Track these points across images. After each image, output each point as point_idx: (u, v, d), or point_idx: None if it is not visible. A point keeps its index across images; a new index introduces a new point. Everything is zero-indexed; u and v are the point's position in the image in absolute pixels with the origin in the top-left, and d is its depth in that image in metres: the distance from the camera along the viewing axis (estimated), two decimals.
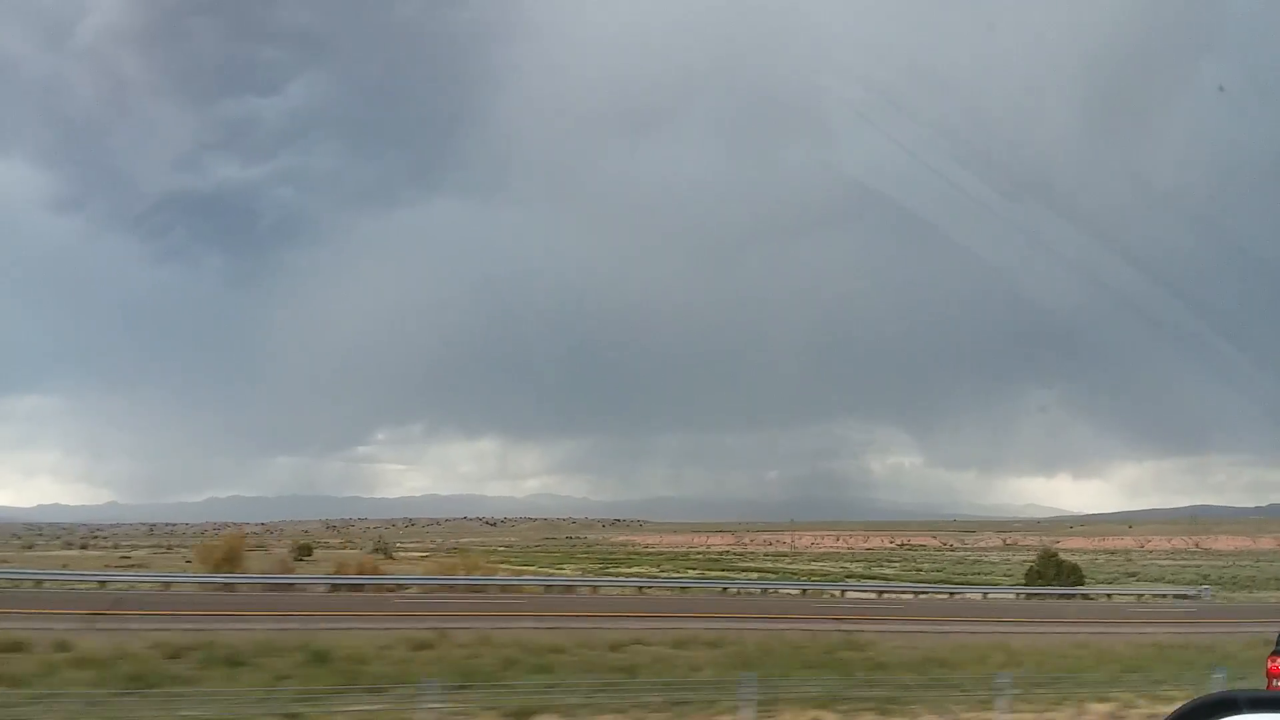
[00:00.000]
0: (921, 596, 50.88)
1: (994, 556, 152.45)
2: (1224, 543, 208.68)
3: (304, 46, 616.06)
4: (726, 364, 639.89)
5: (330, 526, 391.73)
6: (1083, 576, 54.70)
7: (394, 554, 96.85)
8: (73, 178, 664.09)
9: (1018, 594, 52.25)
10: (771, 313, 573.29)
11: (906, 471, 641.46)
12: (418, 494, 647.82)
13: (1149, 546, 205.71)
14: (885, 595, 50.52)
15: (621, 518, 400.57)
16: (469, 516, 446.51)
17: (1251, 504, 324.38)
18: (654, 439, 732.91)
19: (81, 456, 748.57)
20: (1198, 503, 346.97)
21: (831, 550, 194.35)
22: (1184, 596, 51.15)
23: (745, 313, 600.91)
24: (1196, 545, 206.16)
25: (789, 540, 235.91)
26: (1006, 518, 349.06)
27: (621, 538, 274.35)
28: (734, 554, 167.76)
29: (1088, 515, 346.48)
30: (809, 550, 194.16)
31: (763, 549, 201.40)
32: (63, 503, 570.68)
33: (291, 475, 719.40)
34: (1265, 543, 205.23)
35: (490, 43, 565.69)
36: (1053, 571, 53.57)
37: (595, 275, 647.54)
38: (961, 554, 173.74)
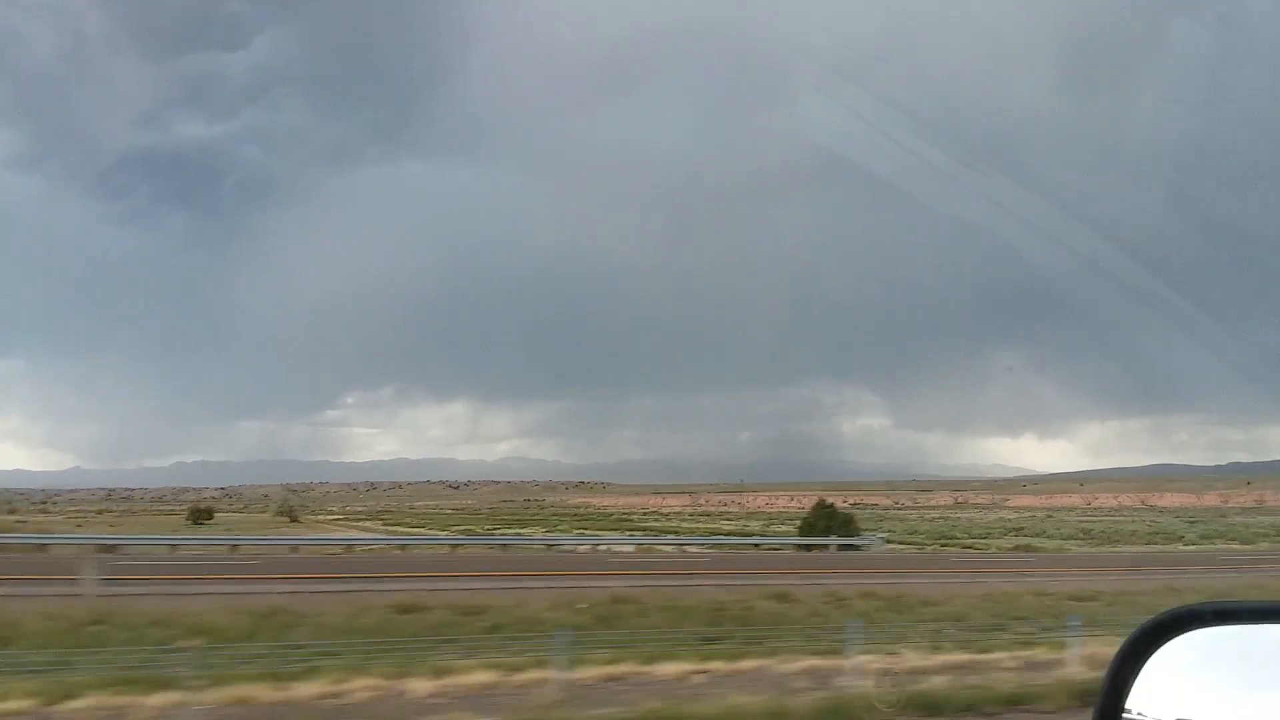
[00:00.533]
0: (714, 549, 52.08)
1: (913, 515, 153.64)
2: (1171, 499, 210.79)
3: (269, 0, 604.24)
4: (699, 327, 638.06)
5: (291, 490, 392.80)
6: (856, 528, 55.01)
7: (301, 518, 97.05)
8: (30, 135, 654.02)
9: (796, 546, 52.93)
10: (744, 276, 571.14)
11: (876, 433, 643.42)
12: (387, 458, 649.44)
13: (1096, 504, 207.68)
14: (689, 548, 51.73)
15: (590, 480, 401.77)
16: (433, 480, 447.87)
17: (1211, 463, 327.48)
18: (626, 402, 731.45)
19: (45, 421, 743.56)
20: (1160, 461, 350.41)
21: (780, 510, 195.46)
22: (851, 547, 50.59)
23: (718, 276, 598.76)
24: (1143, 502, 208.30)
25: (744, 501, 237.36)
26: (971, 477, 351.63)
27: (582, 500, 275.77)
28: (681, 515, 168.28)
29: (1052, 474, 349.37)
30: (761, 510, 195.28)
31: (718, 509, 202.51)
32: (26, 468, 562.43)
33: (258, 440, 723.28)
34: (1209, 499, 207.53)
35: None
36: (824, 523, 53.96)
37: (568, 237, 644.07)
38: (892, 513, 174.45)
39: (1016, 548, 60.76)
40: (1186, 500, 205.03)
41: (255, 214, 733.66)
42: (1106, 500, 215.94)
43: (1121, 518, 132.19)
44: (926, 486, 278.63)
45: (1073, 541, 68.91)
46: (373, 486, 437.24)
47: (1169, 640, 2.10)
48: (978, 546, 67.50)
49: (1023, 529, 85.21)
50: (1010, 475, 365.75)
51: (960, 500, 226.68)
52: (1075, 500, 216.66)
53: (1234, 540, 76.72)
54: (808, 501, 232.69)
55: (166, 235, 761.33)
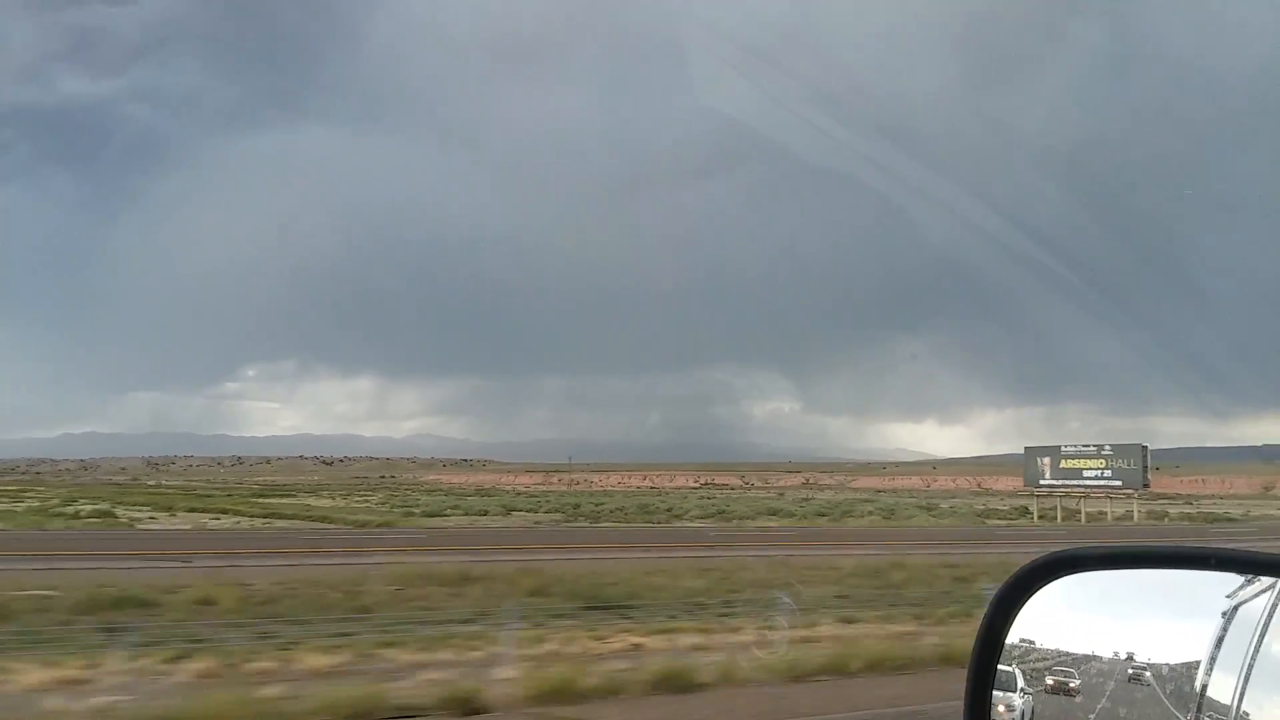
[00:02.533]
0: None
1: (751, 494, 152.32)
2: (1003, 483, 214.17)
3: None
4: (610, 307, 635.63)
5: (151, 464, 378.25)
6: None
7: None
8: None
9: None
10: (655, 257, 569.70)
11: (785, 416, 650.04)
12: (290, 433, 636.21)
13: (935, 486, 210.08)
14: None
15: (501, 459, 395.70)
16: (320, 456, 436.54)
17: None
18: (537, 381, 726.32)
19: None
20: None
21: (628, 489, 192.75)
22: None
23: (629, 256, 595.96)
24: (979, 485, 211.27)
25: (595, 481, 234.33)
26: (875, 460, 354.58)
27: (460, 478, 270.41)
28: (513, 494, 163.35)
29: (949, 459, 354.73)
30: (600, 489, 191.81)
31: (563, 488, 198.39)
32: None
33: (153, 411, 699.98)
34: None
35: None
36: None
37: (475, 213, 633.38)
38: (738, 494, 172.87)
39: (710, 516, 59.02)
40: (1017, 484, 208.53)
41: (147, 176, 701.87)
42: (944, 483, 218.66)
43: (913, 498, 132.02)
44: (827, 469, 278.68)
45: (782, 517, 67.41)
46: (239, 460, 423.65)
47: (1046, 583, 2.26)
48: (676, 519, 66.40)
49: (780, 510, 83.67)
50: (911, 459, 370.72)
51: (810, 482, 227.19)
52: (915, 483, 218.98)
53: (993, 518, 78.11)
54: (661, 481, 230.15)
55: (51, 196, 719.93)
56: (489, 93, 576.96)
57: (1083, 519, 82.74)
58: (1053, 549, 2.32)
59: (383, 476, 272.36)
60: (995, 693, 2.28)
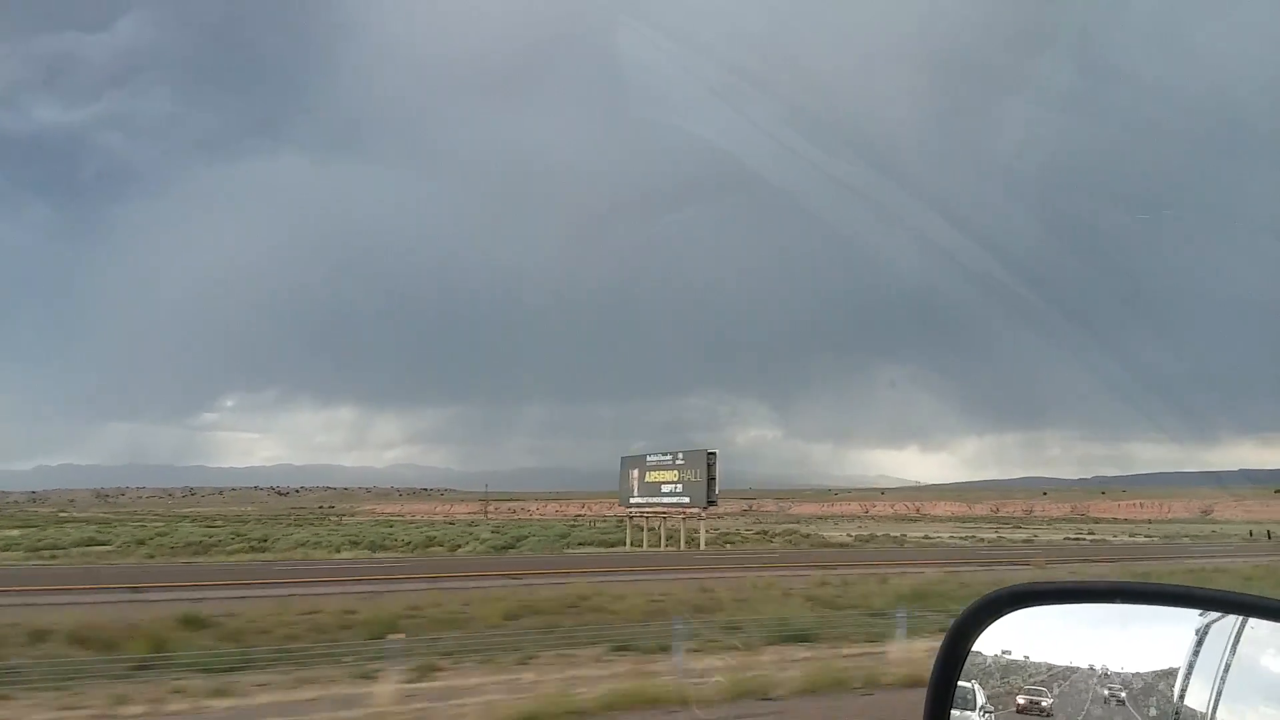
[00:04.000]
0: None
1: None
2: (941, 508, 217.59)
3: None
4: (593, 335, 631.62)
5: (100, 496, 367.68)
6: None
7: None
8: None
9: None
10: (637, 286, 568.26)
11: (767, 443, 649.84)
12: (269, 464, 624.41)
13: (872, 512, 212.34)
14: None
15: (472, 489, 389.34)
16: (259, 486, 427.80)
17: (1077, 476, 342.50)
18: (520, 409, 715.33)
19: None
20: (1032, 474, 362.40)
21: (545, 518, 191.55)
22: None
23: (611, 285, 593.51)
24: (917, 511, 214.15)
25: (533, 510, 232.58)
26: (857, 486, 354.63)
27: (416, 507, 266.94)
28: (434, 524, 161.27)
29: (929, 485, 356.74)
30: (521, 518, 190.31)
31: (500, 518, 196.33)
32: None
33: (129, 443, 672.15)
34: (979, 509, 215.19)
35: None
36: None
37: (455, 241, 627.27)
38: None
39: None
40: (956, 509, 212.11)
41: (122, 205, 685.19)
42: (883, 509, 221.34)
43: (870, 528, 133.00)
44: (797, 496, 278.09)
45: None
46: (191, 492, 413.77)
47: (998, 618, 2.24)
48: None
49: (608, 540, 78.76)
50: (894, 485, 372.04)
51: (749, 509, 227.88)
52: (854, 509, 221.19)
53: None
54: (599, 509, 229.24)
55: (25, 224, 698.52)
56: (466, 119, 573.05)
57: (660, 543, 70.16)
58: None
59: (321, 507, 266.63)
60: (954, 712, 2.22)
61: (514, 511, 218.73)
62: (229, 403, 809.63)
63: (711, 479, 66.72)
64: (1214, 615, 2.04)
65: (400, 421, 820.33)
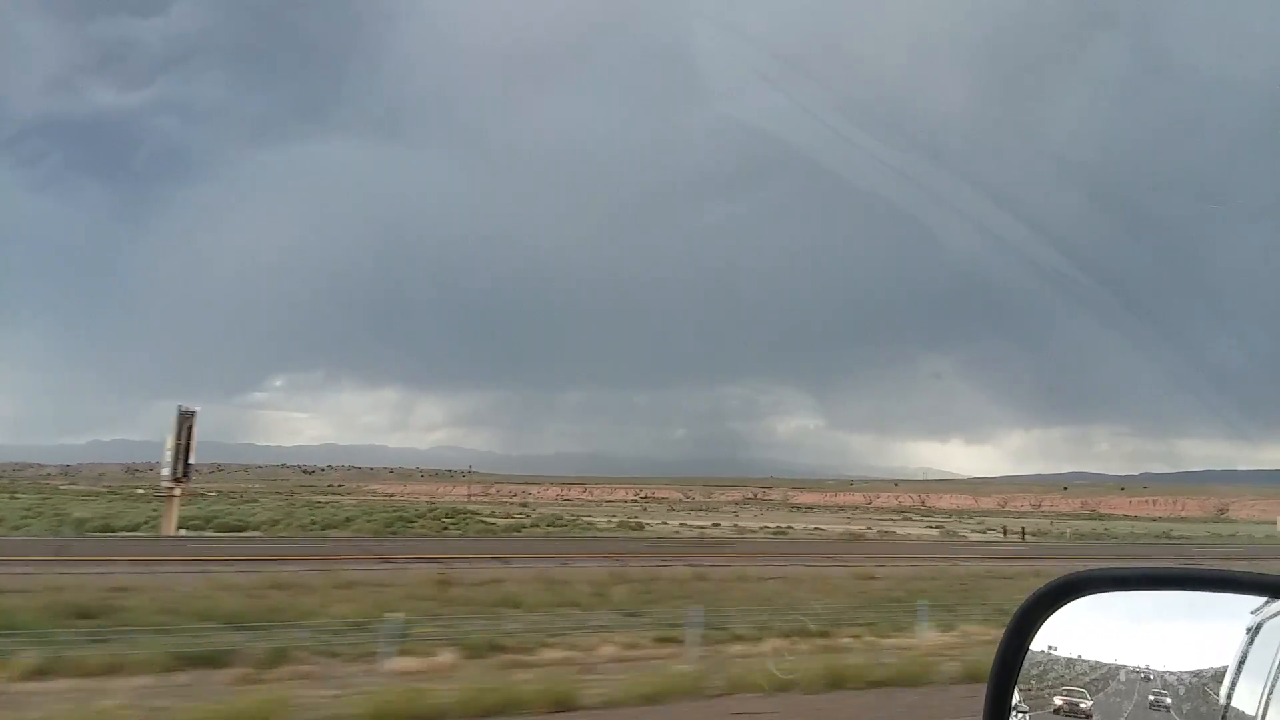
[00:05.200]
0: None
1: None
2: (947, 501, 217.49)
3: None
4: (635, 322, 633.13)
5: (131, 471, 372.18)
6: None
7: None
8: None
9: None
10: (679, 273, 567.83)
11: (810, 433, 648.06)
12: (315, 443, 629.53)
13: (878, 503, 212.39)
14: None
15: (515, 472, 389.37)
16: (288, 464, 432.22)
17: (1124, 472, 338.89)
18: (561, 394, 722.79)
19: None
20: (1081, 469, 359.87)
21: (542, 501, 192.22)
22: None
23: (653, 272, 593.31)
24: (922, 503, 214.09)
25: (534, 493, 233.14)
26: (900, 478, 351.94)
27: (418, 487, 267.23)
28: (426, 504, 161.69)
29: (973, 478, 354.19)
30: (519, 500, 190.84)
31: (498, 500, 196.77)
32: None
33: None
34: (985, 503, 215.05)
35: None
36: None
37: (497, 225, 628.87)
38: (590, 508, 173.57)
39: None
40: (964, 502, 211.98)
41: (175, 187, 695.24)
42: (888, 500, 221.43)
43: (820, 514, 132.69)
44: (845, 486, 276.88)
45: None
46: (219, 468, 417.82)
47: (1065, 603, 2.18)
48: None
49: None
50: (937, 478, 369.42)
51: (751, 498, 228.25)
52: (857, 499, 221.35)
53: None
54: (623, 494, 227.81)
55: (83, 205, 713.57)
56: (513, 105, 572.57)
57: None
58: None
59: (331, 486, 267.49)
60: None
61: (515, 494, 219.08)
62: (278, 382, 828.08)
63: (188, 445, 55.00)
64: (1269, 610, 1.95)
65: (443, 404, 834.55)
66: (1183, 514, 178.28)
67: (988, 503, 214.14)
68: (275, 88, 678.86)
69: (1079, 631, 2.14)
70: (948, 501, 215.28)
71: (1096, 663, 2.08)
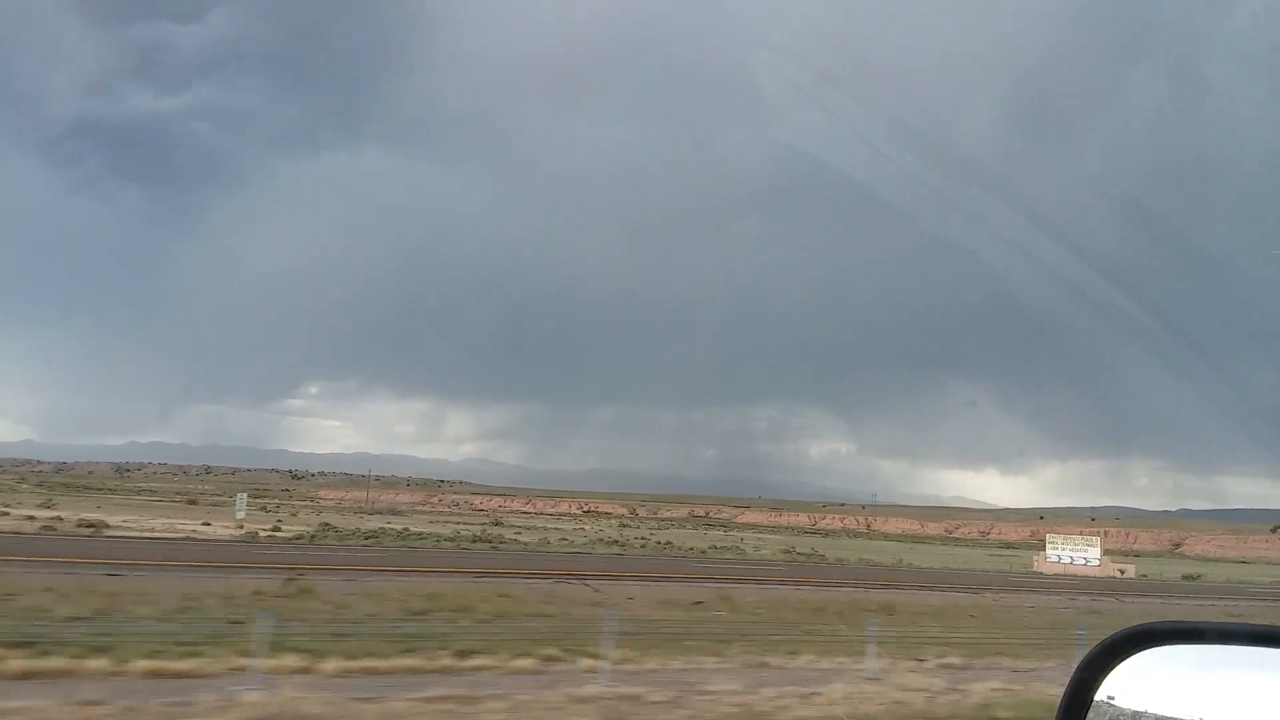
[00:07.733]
0: None
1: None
2: (967, 530, 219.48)
3: None
4: (664, 340, 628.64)
5: (121, 472, 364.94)
6: None
7: None
8: None
9: None
10: (710, 292, 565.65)
11: (840, 457, 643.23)
12: (348, 451, 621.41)
13: (820, 525, 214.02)
14: None
15: (540, 486, 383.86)
16: (278, 469, 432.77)
17: (1161, 508, 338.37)
18: (590, 410, 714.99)
19: None
20: (1119, 504, 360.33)
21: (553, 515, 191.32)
22: None
23: (683, 291, 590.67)
24: (868, 527, 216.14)
25: (536, 506, 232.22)
26: (931, 505, 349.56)
27: (409, 496, 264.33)
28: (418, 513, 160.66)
29: (1005, 509, 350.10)
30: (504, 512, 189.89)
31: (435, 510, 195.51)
32: None
33: (216, 424, 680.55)
34: (931, 528, 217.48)
35: None
36: None
37: (526, 241, 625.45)
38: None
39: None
40: (910, 527, 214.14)
41: (212, 192, 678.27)
42: (833, 523, 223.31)
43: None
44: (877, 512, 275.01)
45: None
46: (208, 471, 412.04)
47: (1132, 655, 2.16)
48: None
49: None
50: (971, 506, 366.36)
51: (699, 515, 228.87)
52: (855, 524, 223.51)
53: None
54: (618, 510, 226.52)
55: (120, 209, 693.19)
56: (538, 123, 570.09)
57: None
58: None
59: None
60: None
61: (463, 505, 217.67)
62: (313, 389, 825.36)
63: None
64: None
65: (474, 416, 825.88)
66: (1136, 546, 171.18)
67: (933, 528, 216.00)
68: (308, 98, 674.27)
69: (1145, 685, 2.07)
70: (892, 525, 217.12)
71: (1160, 717, 2.01)
